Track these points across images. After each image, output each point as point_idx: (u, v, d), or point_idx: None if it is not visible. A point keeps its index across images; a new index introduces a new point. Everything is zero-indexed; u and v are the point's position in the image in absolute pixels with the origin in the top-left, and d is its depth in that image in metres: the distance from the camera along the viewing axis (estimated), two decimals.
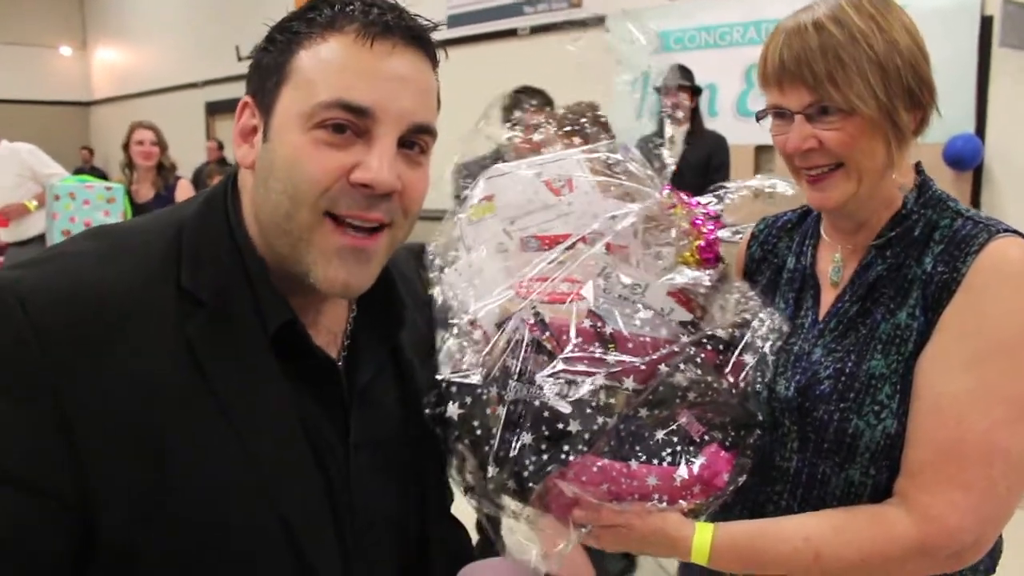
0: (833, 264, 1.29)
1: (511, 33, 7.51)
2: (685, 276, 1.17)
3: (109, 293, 0.85)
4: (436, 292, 1.17)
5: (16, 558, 0.79)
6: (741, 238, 1.40)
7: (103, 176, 9.84)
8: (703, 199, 1.27)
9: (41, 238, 5.47)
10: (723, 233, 1.24)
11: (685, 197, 1.25)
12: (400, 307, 1.06)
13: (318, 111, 0.87)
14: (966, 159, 4.97)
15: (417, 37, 0.93)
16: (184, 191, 4.96)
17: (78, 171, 9.89)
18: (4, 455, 0.79)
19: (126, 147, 5.01)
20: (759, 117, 1.25)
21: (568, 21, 7.06)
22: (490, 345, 1.08)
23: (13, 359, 0.80)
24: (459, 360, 1.09)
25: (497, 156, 1.32)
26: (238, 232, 0.94)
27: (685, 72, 4.70)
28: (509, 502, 1.09)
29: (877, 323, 1.19)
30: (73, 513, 0.80)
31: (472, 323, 1.11)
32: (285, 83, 0.90)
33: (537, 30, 7.34)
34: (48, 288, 0.83)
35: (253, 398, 0.89)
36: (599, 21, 6.73)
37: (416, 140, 0.93)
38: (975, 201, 5.08)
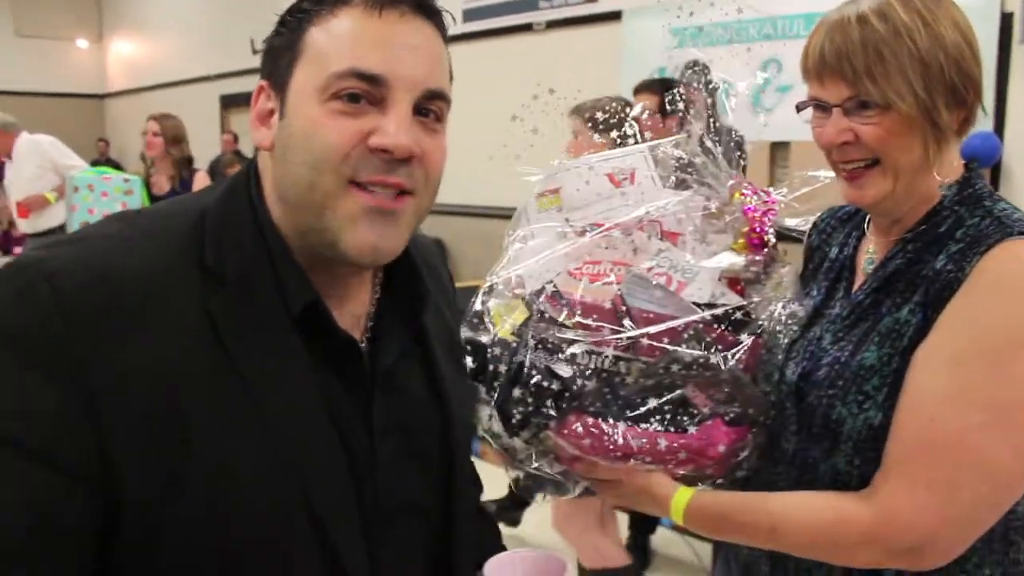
0: (867, 256, 1.29)
1: (527, 28, 7.49)
2: (729, 260, 1.22)
3: (134, 273, 0.86)
4: (499, 265, 1.30)
5: (41, 533, 0.79)
6: (809, 227, 1.41)
7: (119, 167, 9.87)
8: (773, 189, 1.30)
9: (60, 229, 5.51)
10: (792, 222, 1.27)
11: (748, 186, 1.28)
12: (424, 291, 1.07)
13: (332, 82, 0.89)
14: (984, 157, 4.93)
15: (424, 6, 0.95)
16: (201, 183, 4.99)
17: (94, 163, 9.94)
18: (29, 431, 0.80)
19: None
20: (799, 108, 1.24)
21: (584, 16, 7.03)
22: (515, 313, 1.21)
23: (39, 336, 0.80)
24: (477, 321, 1.23)
25: None
26: (261, 214, 0.95)
27: (700, 68, 4.68)
28: (520, 452, 1.23)
29: (882, 316, 1.19)
30: (97, 490, 0.81)
31: (512, 290, 1.23)
32: (298, 60, 0.92)
33: (553, 25, 7.31)
34: (74, 267, 0.84)
35: (276, 376, 0.89)
36: (616, 16, 6.71)
37: (431, 107, 0.95)
38: None
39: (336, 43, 0.90)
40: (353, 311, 1.02)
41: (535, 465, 1.24)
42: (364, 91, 0.90)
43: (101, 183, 4.90)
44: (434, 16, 0.96)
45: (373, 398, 0.99)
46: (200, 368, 0.85)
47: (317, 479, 0.90)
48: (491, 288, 1.26)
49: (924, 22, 1.13)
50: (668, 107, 1.34)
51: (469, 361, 1.21)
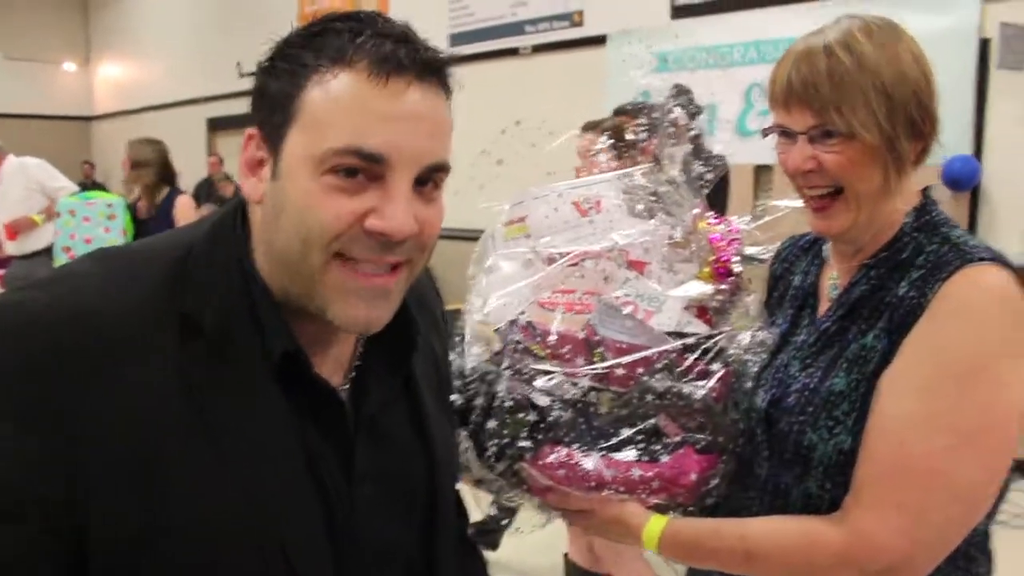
0: (831, 282, 1.31)
1: (513, 52, 7.55)
2: (697, 290, 1.23)
3: (111, 319, 0.83)
4: (470, 296, 1.29)
5: None
6: (770, 256, 1.43)
7: (104, 190, 9.85)
8: (735, 218, 1.31)
9: (47, 251, 5.49)
10: (753, 250, 1.29)
11: (713, 216, 1.30)
12: (413, 332, 1.02)
13: (329, 157, 0.83)
14: (964, 180, 4.99)
15: (434, 71, 0.87)
16: (183, 207, 4.93)
17: (81, 185, 9.91)
18: (2, 483, 0.77)
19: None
20: (765, 133, 1.27)
21: (569, 40, 7.10)
22: (491, 345, 1.20)
23: (13, 386, 0.78)
24: (465, 356, 1.22)
25: None
26: (245, 260, 0.91)
27: (684, 92, 4.73)
28: (493, 484, 1.23)
29: (848, 342, 1.21)
30: (65, 546, 0.79)
31: (484, 322, 1.23)
32: (293, 121, 0.85)
33: (539, 49, 7.37)
34: (50, 313, 0.81)
35: (251, 429, 0.86)
36: (601, 40, 6.78)
37: (432, 177, 0.89)
38: (972, 221, 5.10)
39: (335, 113, 0.83)
40: (337, 356, 0.98)
41: (507, 496, 1.25)
42: (363, 167, 0.84)
43: (84, 208, 4.88)
44: (442, 79, 0.89)
45: (355, 445, 0.95)
46: (174, 420, 0.82)
47: (292, 535, 0.87)
48: (465, 322, 1.27)
49: (888, 57, 1.17)
50: (644, 132, 1.35)
51: (454, 397, 1.20)
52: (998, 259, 1.15)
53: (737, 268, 1.27)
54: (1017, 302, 1.13)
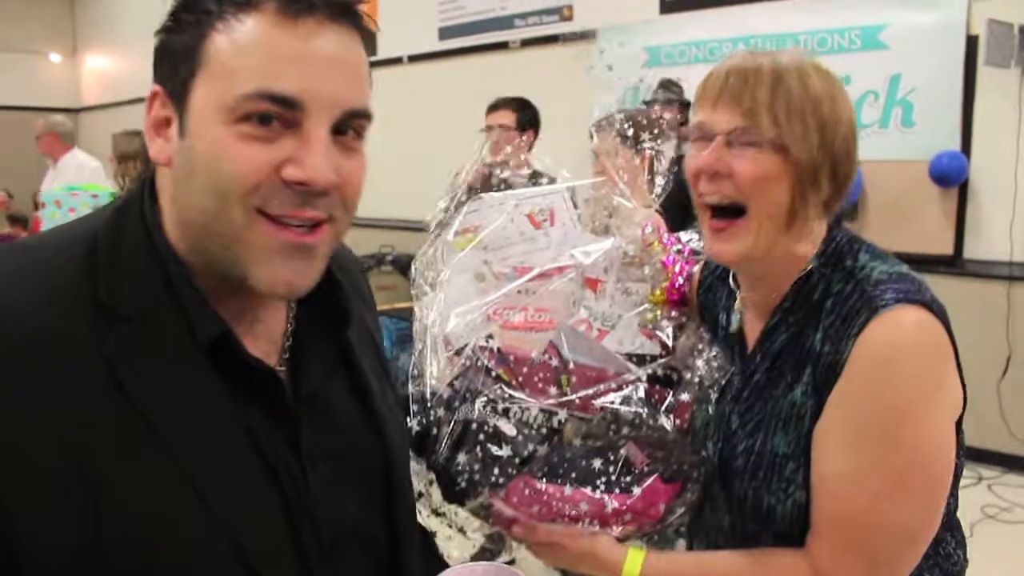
0: (737, 314, 1.31)
1: (502, 46, 7.53)
2: (650, 313, 1.23)
3: (19, 315, 0.76)
4: (416, 307, 1.23)
5: None
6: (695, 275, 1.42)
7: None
8: (684, 235, 1.30)
9: None
10: (695, 268, 1.28)
11: (666, 235, 1.29)
12: (345, 302, 0.98)
13: (239, 103, 0.78)
14: (951, 176, 5.01)
15: (345, 10, 0.83)
16: None
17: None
18: None
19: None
20: (681, 139, 1.26)
21: (559, 34, 7.09)
22: (451, 368, 1.16)
23: None
24: (424, 377, 1.18)
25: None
26: (158, 238, 0.85)
27: (673, 86, 4.73)
28: (452, 514, 1.19)
29: (777, 398, 1.23)
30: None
31: (444, 342, 1.19)
32: (199, 72, 0.80)
33: (528, 43, 7.36)
34: None
35: (190, 419, 0.80)
36: (590, 35, 6.77)
37: (351, 125, 0.84)
38: (960, 217, 5.12)
39: (244, 58, 0.78)
40: (268, 334, 0.93)
41: (469, 528, 1.23)
42: (276, 113, 0.79)
43: (68, 199, 4.87)
44: (355, 19, 0.84)
45: (300, 424, 0.91)
46: (103, 419, 0.76)
47: (245, 526, 0.82)
48: (423, 343, 1.22)
49: (832, 99, 1.16)
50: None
51: (411, 422, 1.17)
52: (904, 297, 1.14)
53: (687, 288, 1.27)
54: (926, 343, 1.14)
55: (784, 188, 1.15)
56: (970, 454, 4.82)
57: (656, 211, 1.36)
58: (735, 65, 1.17)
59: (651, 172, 1.34)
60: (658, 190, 1.32)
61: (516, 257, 1.23)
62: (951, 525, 1.29)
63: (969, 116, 5.04)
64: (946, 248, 5.08)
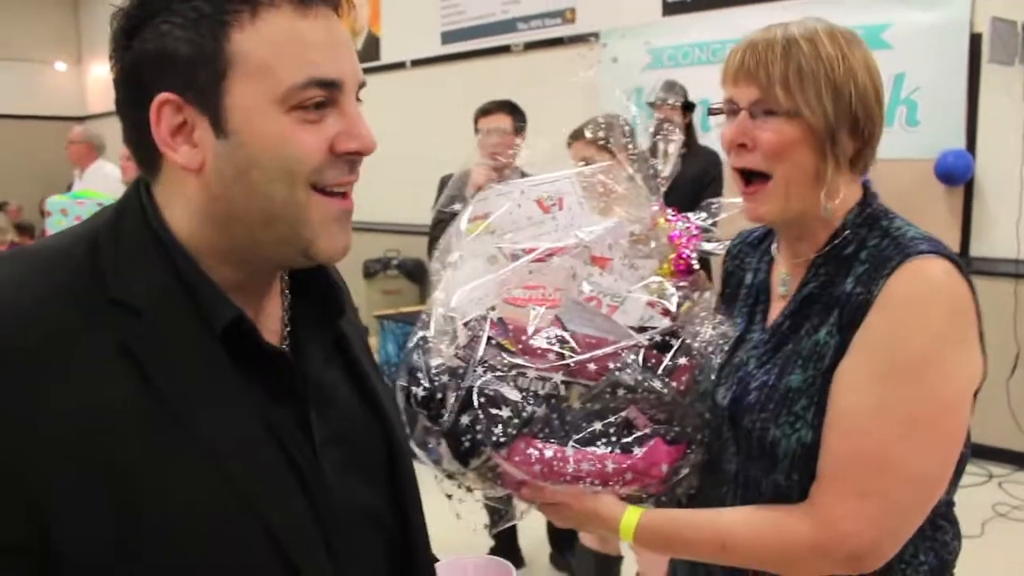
0: (781, 278, 1.36)
1: (505, 49, 7.55)
2: (658, 285, 1.27)
3: (32, 318, 0.79)
4: (437, 290, 1.30)
5: None
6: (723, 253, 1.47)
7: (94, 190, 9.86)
8: (693, 215, 1.33)
9: None
10: (709, 246, 1.31)
11: (672, 214, 1.32)
12: (338, 291, 1.04)
13: (292, 93, 0.84)
14: (957, 174, 5.01)
15: None
16: None
17: (71, 187, 9.88)
18: None
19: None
20: (712, 112, 1.32)
21: (562, 37, 7.10)
22: (457, 338, 1.21)
23: None
24: (430, 348, 1.23)
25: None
26: (163, 234, 0.88)
27: (677, 88, 4.73)
28: (465, 477, 1.25)
29: (801, 339, 1.25)
30: (35, 567, 0.75)
31: (450, 317, 1.24)
32: (231, 73, 0.84)
33: (531, 46, 7.37)
34: None
35: (211, 404, 0.84)
36: (593, 37, 6.78)
37: (359, 96, 0.93)
38: (966, 215, 5.11)
39: (280, 53, 0.84)
40: (270, 325, 0.97)
41: (478, 489, 1.27)
42: (325, 97, 0.86)
43: (75, 207, 4.87)
44: (337, 5, 0.91)
45: (308, 410, 0.94)
46: (129, 409, 0.79)
47: (273, 505, 0.86)
48: (430, 317, 1.27)
49: (843, 56, 1.21)
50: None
51: (417, 389, 1.21)
52: (937, 250, 1.20)
53: (696, 264, 1.30)
54: (958, 291, 1.18)
55: (806, 152, 1.22)
56: (980, 452, 4.80)
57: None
58: (751, 41, 1.26)
59: (652, 169, 1.36)
60: (661, 189, 1.34)
61: (526, 241, 1.27)
62: (949, 517, 1.31)
63: (974, 114, 5.04)
64: (952, 246, 5.01)
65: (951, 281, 1.18)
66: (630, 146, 1.37)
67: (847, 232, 1.26)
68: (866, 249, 1.24)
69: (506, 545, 3.68)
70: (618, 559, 3.12)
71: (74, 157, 6.57)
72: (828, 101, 1.20)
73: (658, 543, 1.28)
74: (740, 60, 1.26)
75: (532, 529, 3.70)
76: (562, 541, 3.85)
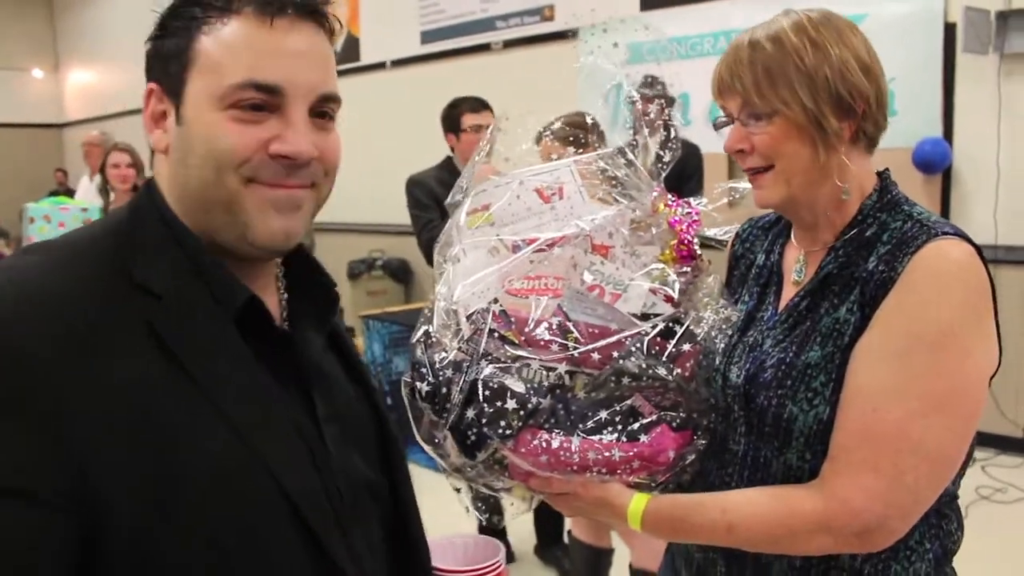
0: (797, 263, 1.37)
1: (484, 48, 7.56)
2: (660, 272, 1.26)
3: (70, 300, 0.85)
4: (439, 284, 1.30)
5: (17, 568, 0.78)
6: (729, 237, 1.48)
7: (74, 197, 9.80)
8: (694, 200, 1.34)
9: None
10: (712, 232, 1.32)
11: (672, 199, 1.33)
12: (332, 285, 1.11)
13: (230, 92, 0.91)
14: (935, 162, 5.06)
15: (312, 10, 0.97)
16: None
17: (53, 193, 9.83)
18: (8, 476, 0.78)
19: (102, 170, 4.98)
20: (716, 126, 1.36)
21: (541, 35, 7.11)
22: (460, 332, 1.22)
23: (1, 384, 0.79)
24: (433, 342, 1.24)
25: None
26: (174, 223, 0.96)
27: (656, 82, 4.75)
28: (473, 470, 1.25)
29: (820, 317, 1.26)
30: (74, 521, 0.80)
31: (452, 311, 1.24)
32: (191, 67, 0.93)
33: (510, 44, 7.38)
34: (12, 304, 0.83)
35: (231, 381, 0.91)
36: (572, 35, 6.80)
37: (324, 109, 0.98)
38: (944, 203, 5.16)
39: (230, 54, 0.92)
40: (272, 310, 1.02)
41: (487, 482, 1.27)
42: (263, 101, 0.92)
43: (58, 213, 4.84)
44: (321, 18, 0.98)
45: (311, 389, 1.01)
46: (160, 383, 0.86)
47: (290, 474, 0.92)
48: (432, 312, 1.27)
49: (812, 43, 1.23)
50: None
51: (421, 384, 1.23)
52: (960, 234, 1.22)
53: (698, 250, 1.31)
54: (980, 275, 1.19)
55: (797, 145, 1.25)
56: None
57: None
58: (726, 52, 1.30)
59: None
60: (661, 176, 1.35)
61: (527, 232, 1.27)
62: (953, 505, 1.31)
63: (950, 103, 5.09)
64: None
65: (974, 264, 1.19)
66: (599, 146, 1.39)
67: (867, 217, 1.28)
68: (888, 231, 1.25)
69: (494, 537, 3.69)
70: (609, 551, 3.15)
71: (92, 161, 6.46)
72: (803, 92, 1.22)
73: (665, 528, 1.27)
74: (719, 74, 1.30)
75: (519, 522, 3.71)
76: (548, 535, 3.87)
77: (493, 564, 1.15)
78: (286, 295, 1.08)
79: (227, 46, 0.92)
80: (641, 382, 1.19)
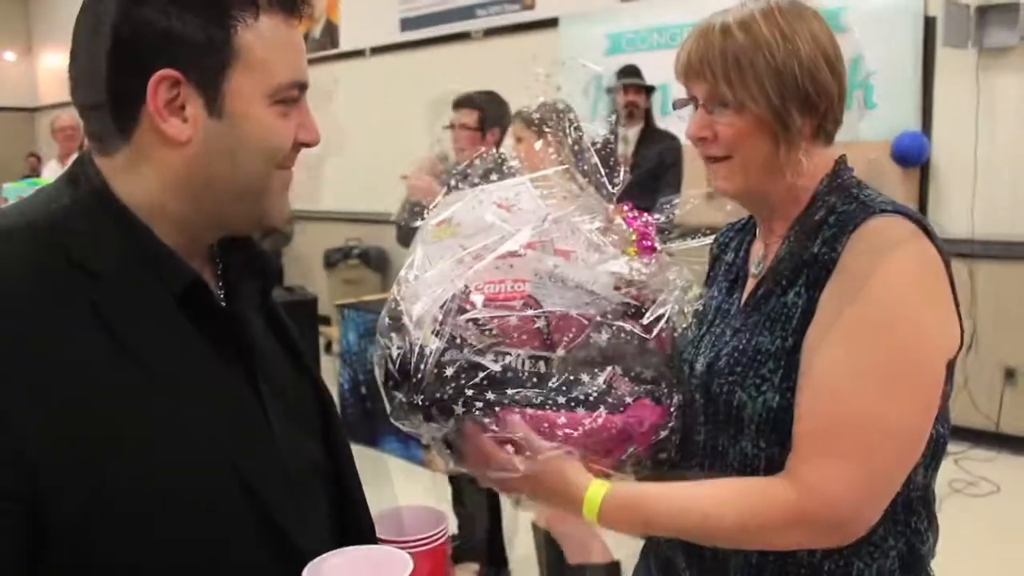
0: (757, 256, 1.37)
1: (464, 36, 7.51)
2: (623, 266, 1.26)
3: (9, 284, 0.85)
4: (393, 293, 1.28)
5: None
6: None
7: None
8: (646, 216, 1.35)
9: None
10: (673, 247, 1.33)
11: (628, 210, 1.33)
12: (268, 263, 1.16)
13: (279, 90, 0.96)
14: (913, 156, 5.08)
15: (309, 8, 1.02)
16: None
17: (26, 177, 9.69)
18: None
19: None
20: (676, 106, 1.34)
21: (521, 23, 7.08)
22: (433, 320, 1.19)
23: None
24: (403, 325, 1.22)
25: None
26: (116, 204, 0.95)
27: (635, 72, 4.74)
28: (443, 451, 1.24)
29: (772, 304, 1.26)
30: (25, 511, 0.80)
31: (417, 321, 1.21)
32: (234, 63, 0.93)
33: (490, 32, 7.35)
34: None
35: (176, 359, 0.91)
36: (552, 23, 6.77)
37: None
38: (922, 196, 5.19)
39: (275, 53, 0.96)
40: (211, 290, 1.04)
41: (443, 466, 1.27)
42: (297, 96, 0.99)
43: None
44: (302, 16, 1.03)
45: (255, 369, 1.02)
46: (104, 364, 0.85)
47: (241, 452, 0.93)
48: (401, 311, 1.25)
49: (783, 36, 1.22)
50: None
51: (392, 366, 1.21)
52: (902, 211, 1.20)
53: (658, 244, 1.32)
54: (923, 250, 1.18)
55: (758, 141, 1.24)
56: None
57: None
58: (694, 35, 1.29)
59: (607, 160, 1.37)
60: (617, 181, 1.35)
61: (491, 240, 1.26)
62: (926, 500, 1.28)
63: (929, 96, 5.11)
64: None
65: (916, 240, 1.18)
66: (570, 139, 1.37)
67: (817, 202, 1.27)
68: (835, 214, 1.24)
69: (494, 552, 3.69)
70: (616, 564, 3.09)
71: (67, 145, 6.28)
72: (771, 88, 1.21)
73: (629, 518, 1.21)
74: (687, 57, 1.28)
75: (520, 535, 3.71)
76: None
77: (439, 532, 1.14)
78: (221, 271, 1.08)
79: (270, 44, 0.95)
80: (616, 340, 1.20)
